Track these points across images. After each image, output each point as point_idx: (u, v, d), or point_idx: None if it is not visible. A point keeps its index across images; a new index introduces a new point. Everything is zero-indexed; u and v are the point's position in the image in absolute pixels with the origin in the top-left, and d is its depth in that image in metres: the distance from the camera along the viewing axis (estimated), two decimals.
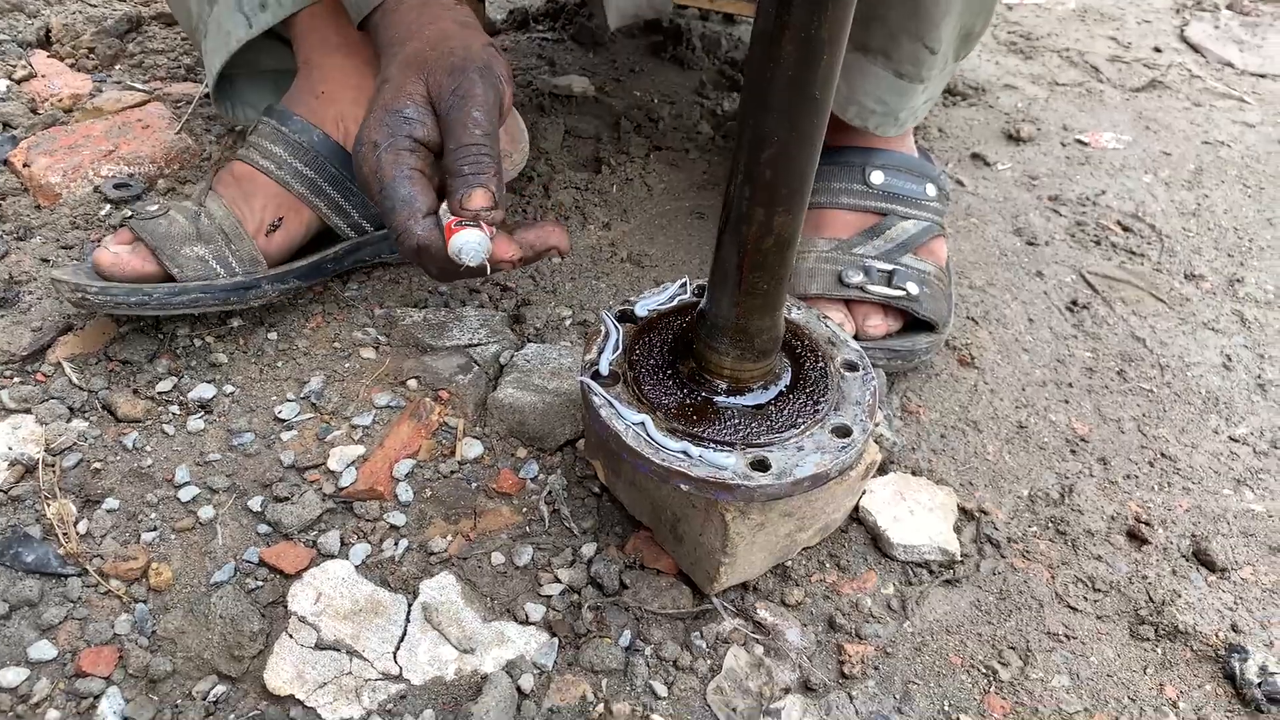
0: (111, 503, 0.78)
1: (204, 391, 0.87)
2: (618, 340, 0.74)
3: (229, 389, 0.88)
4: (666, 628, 0.75)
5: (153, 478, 0.80)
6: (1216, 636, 0.80)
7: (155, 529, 0.77)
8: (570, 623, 0.74)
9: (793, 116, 0.57)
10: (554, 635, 0.73)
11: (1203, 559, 0.86)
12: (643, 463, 0.67)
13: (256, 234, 0.89)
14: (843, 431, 0.71)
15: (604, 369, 0.72)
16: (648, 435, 0.68)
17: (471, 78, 0.73)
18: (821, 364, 0.75)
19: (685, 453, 0.67)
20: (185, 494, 0.79)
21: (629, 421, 0.68)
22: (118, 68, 1.36)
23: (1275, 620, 0.82)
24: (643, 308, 0.78)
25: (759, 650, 0.75)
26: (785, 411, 0.71)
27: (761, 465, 0.67)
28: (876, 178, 1.03)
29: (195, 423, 0.85)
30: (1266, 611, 0.83)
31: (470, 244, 0.69)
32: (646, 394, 0.70)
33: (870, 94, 1.00)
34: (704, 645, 0.74)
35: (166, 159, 1.15)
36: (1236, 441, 0.99)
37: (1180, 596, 0.83)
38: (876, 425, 0.77)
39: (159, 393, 0.87)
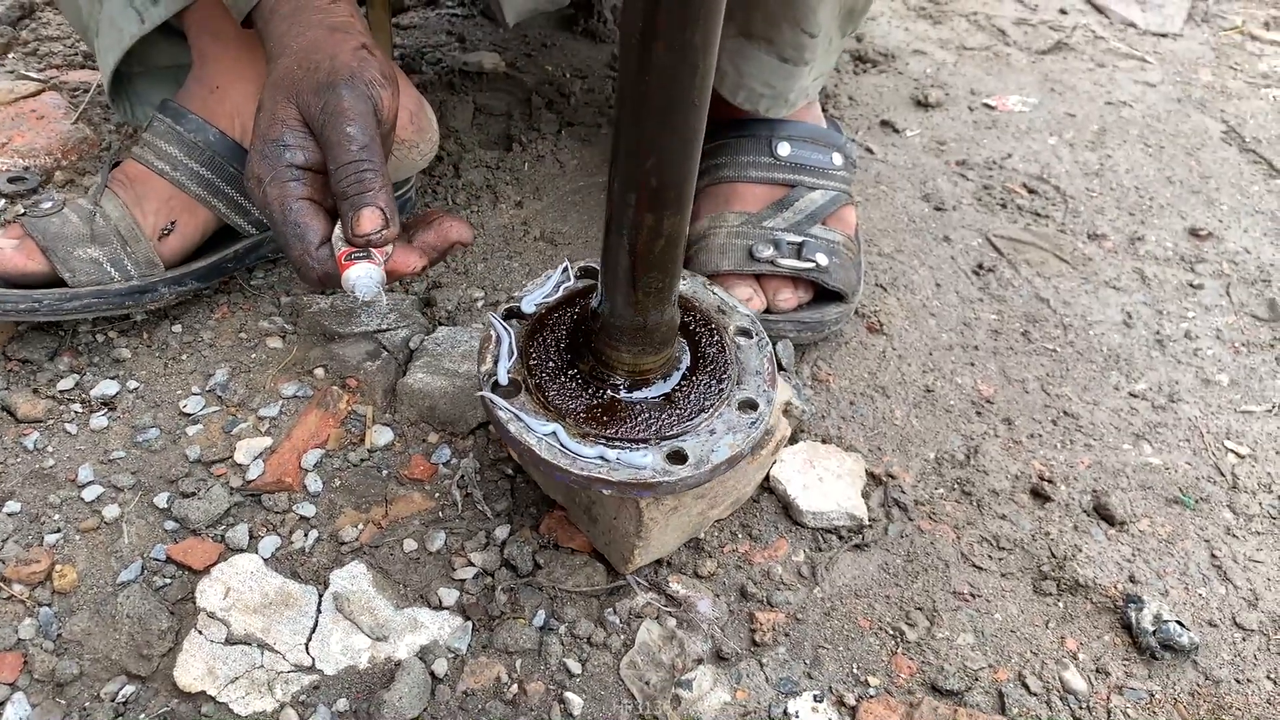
0: (12, 505, 0.77)
1: (107, 388, 0.86)
2: (510, 344, 0.72)
3: (133, 385, 0.87)
4: (580, 605, 0.76)
5: (55, 478, 0.79)
6: (1115, 588, 0.83)
7: (59, 530, 0.76)
8: (484, 605, 0.75)
9: (673, 124, 0.55)
10: (468, 619, 0.74)
11: (1103, 513, 0.89)
12: (560, 473, 0.66)
13: (153, 236, 0.87)
14: (749, 405, 0.71)
15: (503, 378, 0.70)
16: (561, 445, 0.66)
17: (339, 93, 0.68)
18: (717, 337, 0.75)
19: (602, 458, 0.65)
20: (89, 493, 0.78)
21: (540, 434, 0.67)
22: (10, 56, 1.32)
23: (1170, 570, 0.86)
24: (529, 303, 0.76)
25: (671, 623, 0.76)
26: (692, 396, 0.71)
27: (678, 457, 0.67)
28: (783, 149, 1.04)
29: (98, 420, 0.83)
30: (1162, 561, 0.86)
31: (361, 279, 0.65)
32: (552, 400, 0.69)
33: (757, 78, 1.01)
34: (617, 621, 0.75)
35: (64, 150, 1.12)
36: (1136, 397, 1.02)
37: (1081, 551, 0.86)
38: (779, 393, 0.78)
39: (60, 391, 0.85)
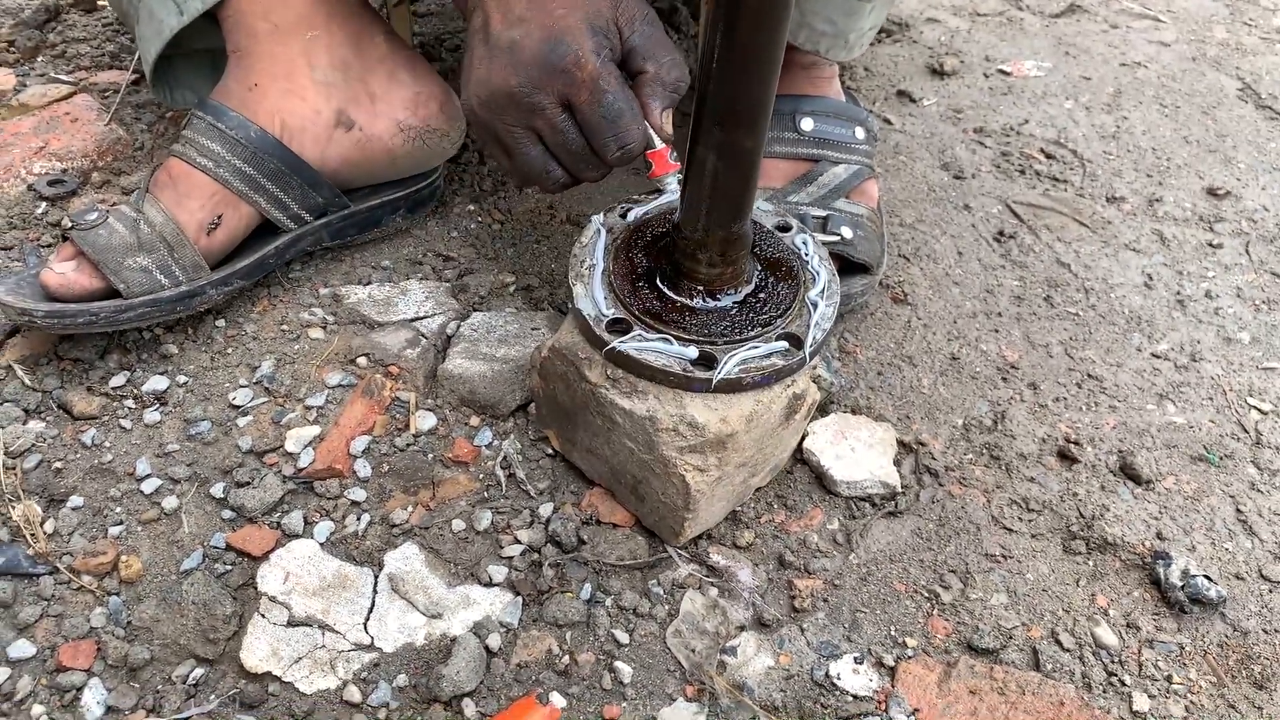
0: (76, 500, 0.80)
1: (157, 384, 0.88)
2: (602, 251, 0.82)
3: (182, 379, 0.89)
4: (625, 578, 0.79)
5: (114, 472, 0.82)
6: (1143, 545, 0.85)
7: (121, 523, 0.79)
8: (532, 581, 0.78)
9: (757, 54, 0.63)
10: (517, 594, 0.77)
11: (1129, 473, 0.91)
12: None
13: (198, 235, 0.90)
14: (795, 340, 0.76)
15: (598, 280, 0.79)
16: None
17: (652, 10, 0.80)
18: (790, 269, 0.82)
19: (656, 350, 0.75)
20: (148, 486, 0.81)
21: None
22: (40, 59, 1.34)
23: (1196, 526, 0.88)
24: (632, 215, 0.86)
25: (713, 593, 0.79)
26: (750, 315, 0.78)
27: (708, 362, 0.74)
28: (806, 124, 1.06)
29: (151, 415, 0.86)
30: (1189, 518, 0.88)
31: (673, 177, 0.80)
32: (623, 297, 0.78)
33: (819, 14, 1.00)
34: (661, 592, 0.78)
35: (99, 152, 1.14)
36: (1158, 358, 1.03)
37: (1109, 510, 0.88)
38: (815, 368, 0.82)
39: (113, 388, 0.88)
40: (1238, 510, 0.89)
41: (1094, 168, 1.30)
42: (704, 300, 0.77)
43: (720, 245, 0.75)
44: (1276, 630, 0.81)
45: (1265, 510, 0.89)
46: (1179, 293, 1.11)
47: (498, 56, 0.77)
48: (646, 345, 0.74)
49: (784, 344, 0.75)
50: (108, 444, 0.84)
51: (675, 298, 0.77)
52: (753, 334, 0.76)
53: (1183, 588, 0.81)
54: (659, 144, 0.79)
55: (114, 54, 1.37)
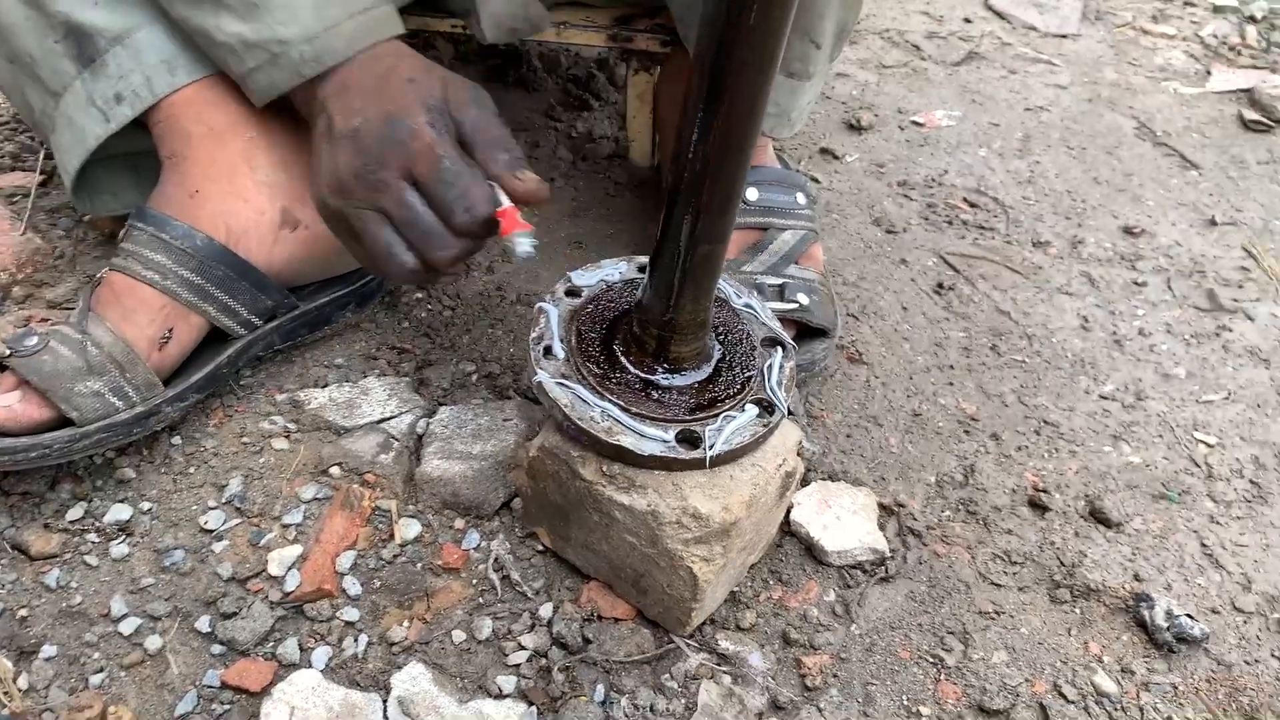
0: (49, 649, 0.75)
1: (119, 513, 0.84)
2: (556, 326, 0.81)
3: (145, 505, 0.85)
4: (636, 674, 0.78)
5: (87, 615, 0.78)
6: (1124, 589, 0.88)
7: (102, 669, 0.74)
8: (543, 687, 0.76)
9: (728, 163, 0.65)
10: (530, 704, 0.75)
11: (1099, 517, 0.94)
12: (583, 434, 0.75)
13: (149, 351, 0.86)
14: (767, 406, 0.77)
15: (558, 351, 0.79)
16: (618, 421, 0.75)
17: (465, 82, 0.82)
18: (747, 341, 0.82)
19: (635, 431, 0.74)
20: (126, 626, 0.77)
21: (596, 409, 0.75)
22: None
23: (1169, 564, 0.91)
24: (582, 281, 0.86)
25: (727, 680, 0.78)
26: (716, 389, 0.78)
27: (691, 440, 0.74)
28: (752, 194, 1.07)
29: (118, 548, 0.82)
30: (1160, 557, 0.92)
31: (524, 239, 0.76)
32: (591, 377, 0.77)
33: None
34: (675, 686, 0.77)
35: (17, 264, 1.09)
36: (1106, 399, 1.08)
37: (1086, 556, 0.90)
38: (791, 435, 0.82)
39: (71, 522, 0.84)
40: (1202, 544, 0.93)
41: (1016, 214, 1.35)
42: (673, 378, 0.77)
43: (690, 326, 0.75)
44: (1257, 660, 0.84)
45: (1227, 542, 0.93)
46: (1114, 332, 1.16)
47: (341, 147, 0.79)
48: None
49: (756, 409, 0.76)
50: (75, 584, 0.80)
51: (648, 378, 0.77)
52: (727, 406, 0.76)
53: (1168, 628, 0.84)
54: (505, 202, 0.78)
55: (14, 154, 1.31)
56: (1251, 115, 1.60)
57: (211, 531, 0.84)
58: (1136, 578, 0.89)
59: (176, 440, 0.91)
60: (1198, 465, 1.01)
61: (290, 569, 0.81)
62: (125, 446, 0.89)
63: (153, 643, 0.76)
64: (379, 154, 0.77)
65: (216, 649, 0.76)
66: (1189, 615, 0.84)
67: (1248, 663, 0.84)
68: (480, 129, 0.81)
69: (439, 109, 0.80)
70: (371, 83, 0.81)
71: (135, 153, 1.00)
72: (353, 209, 0.79)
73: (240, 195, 0.92)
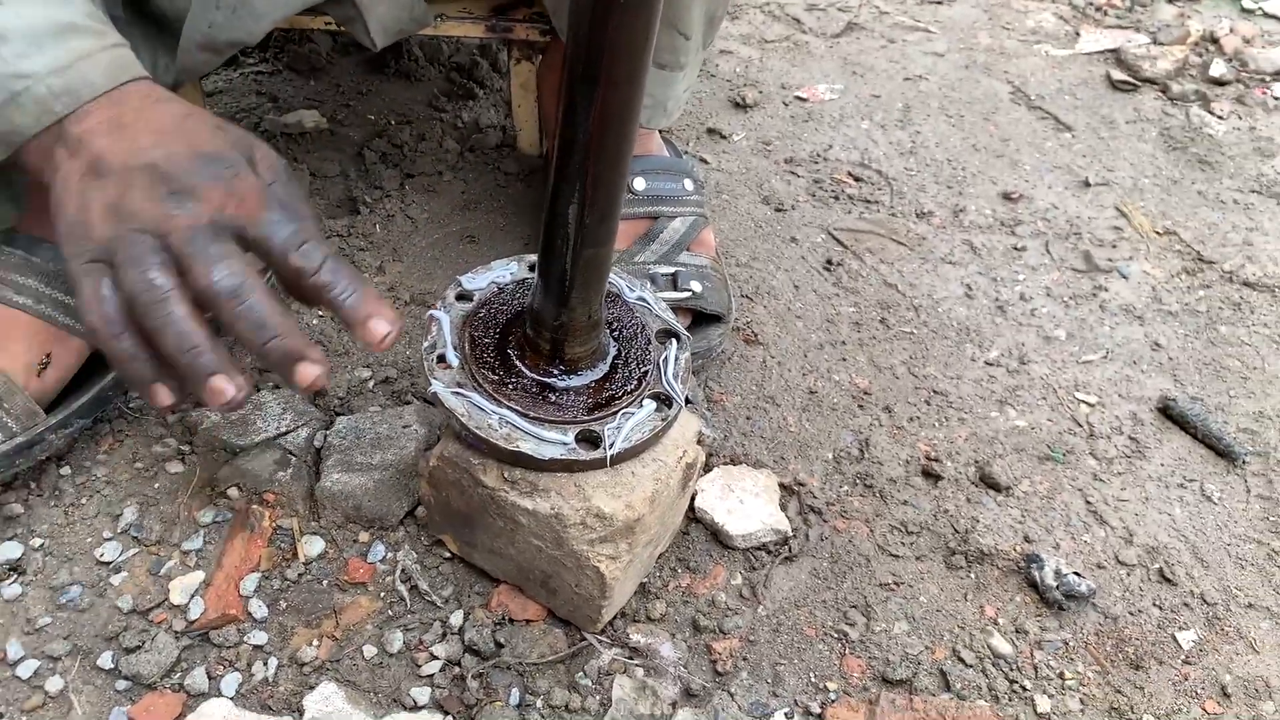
0: None
1: (9, 551, 0.81)
2: (449, 331, 0.79)
3: (37, 542, 0.83)
4: (550, 675, 0.79)
5: None
6: (1015, 551, 0.92)
7: (1, 715, 0.72)
8: (458, 696, 0.76)
9: (609, 153, 0.64)
10: (446, 713, 0.75)
11: (988, 482, 0.98)
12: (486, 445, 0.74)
13: (27, 379, 0.83)
14: (664, 400, 0.78)
15: (451, 359, 0.77)
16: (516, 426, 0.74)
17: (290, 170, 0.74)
18: (642, 337, 0.82)
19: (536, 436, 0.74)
20: (24, 670, 0.74)
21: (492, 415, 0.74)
22: None
23: (1057, 524, 0.95)
24: (473, 284, 0.84)
25: (640, 673, 0.79)
26: (613, 387, 0.78)
27: (591, 440, 0.74)
28: (639, 184, 1.08)
29: (10, 588, 0.79)
30: (1048, 518, 0.96)
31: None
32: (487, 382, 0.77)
33: None
34: (589, 683, 0.78)
35: None
36: (991, 365, 1.11)
37: (979, 522, 0.94)
38: (691, 424, 0.83)
39: None
40: (1087, 502, 0.97)
41: (899, 185, 1.38)
42: (570, 379, 0.77)
43: (583, 327, 0.76)
44: (1140, 610, 0.89)
45: (1110, 498, 0.98)
46: (997, 299, 1.20)
47: (129, 179, 0.65)
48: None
49: (654, 404, 0.77)
50: None
51: (544, 380, 0.77)
52: (625, 403, 0.77)
53: (1057, 587, 0.88)
54: None
55: None
56: (1119, 75, 1.65)
57: (109, 564, 0.82)
58: (1026, 539, 0.93)
59: (66, 470, 0.88)
60: (1080, 425, 1.05)
61: (193, 596, 0.79)
62: (10, 480, 0.86)
63: (54, 684, 0.74)
64: (190, 185, 0.64)
65: (121, 685, 0.75)
66: (1076, 573, 0.88)
67: (1131, 614, 0.89)
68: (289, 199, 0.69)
69: (253, 162, 0.69)
70: (167, 122, 0.68)
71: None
72: (128, 246, 0.63)
73: None
